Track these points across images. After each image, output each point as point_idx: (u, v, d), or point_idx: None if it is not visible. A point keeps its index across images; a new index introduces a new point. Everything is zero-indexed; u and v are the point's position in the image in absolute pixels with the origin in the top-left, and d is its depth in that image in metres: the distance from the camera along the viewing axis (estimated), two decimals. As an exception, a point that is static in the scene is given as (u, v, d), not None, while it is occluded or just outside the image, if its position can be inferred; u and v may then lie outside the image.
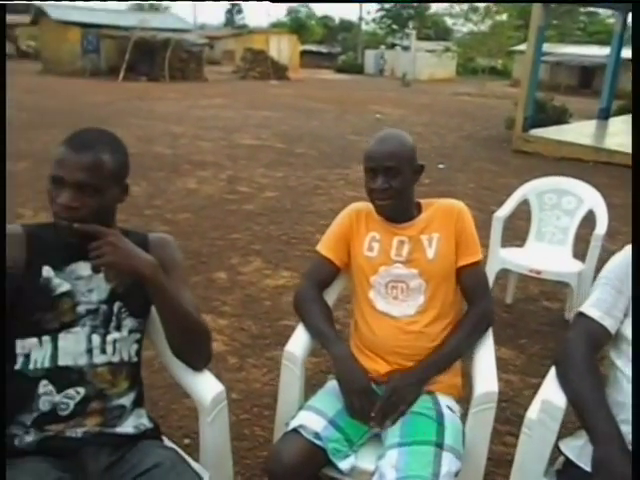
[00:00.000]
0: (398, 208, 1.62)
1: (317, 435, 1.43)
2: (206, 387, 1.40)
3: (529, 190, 3.35)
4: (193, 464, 1.34)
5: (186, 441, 2.20)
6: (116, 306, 1.38)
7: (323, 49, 47.59)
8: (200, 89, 18.46)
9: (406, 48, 35.66)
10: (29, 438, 1.26)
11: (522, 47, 23.03)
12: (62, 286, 1.32)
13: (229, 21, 60.03)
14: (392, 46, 40.50)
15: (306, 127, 10.76)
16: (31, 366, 1.30)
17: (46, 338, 1.31)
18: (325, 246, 1.72)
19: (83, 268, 1.35)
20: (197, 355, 1.45)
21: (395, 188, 1.57)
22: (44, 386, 1.29)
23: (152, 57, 21.81)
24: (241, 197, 5.69)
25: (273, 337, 3.04)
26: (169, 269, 1.38)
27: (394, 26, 48.49)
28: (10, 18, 31.29)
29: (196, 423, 2.33)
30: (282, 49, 31.31)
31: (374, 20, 50.92)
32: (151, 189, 5.52)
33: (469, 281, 1.63)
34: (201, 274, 3.75)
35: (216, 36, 35.52)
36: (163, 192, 5.61)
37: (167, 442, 1.44)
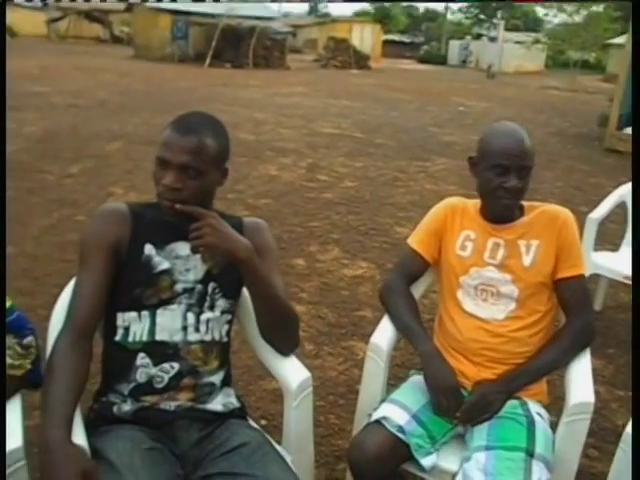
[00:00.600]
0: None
1: (400, 429, 1.42)
2: (293, 372, 1.42)
3: (627, 192, 3.16)
4: (276, 447, 1.36)
5: (263, 422, 2.24)
6: (210, 286, 1.42)
7: (406, 39, 46.86)
8: (282, 77, 18.67)
9: (493, 39, 34.47)
10: (126, 407, 1.32)
11: (619, 40, 21.75)
12: (162, 264, 1.37)
13: (312, 9, 60.21)
14: (478, 36, 39.31)
15: (386, 117, 10.65)
16: (130, 339, 1.35)
17: (145, 313, 1.36)
18: (416, 240, 1.69)
19: (182, 248, 1.39)
20: (285, 340, 1.46)
21: (524, 189, 1.51)
22: (141, 358, 1.34)
23: (237, 44, 22.24)
24: (320, 185, 5.71)
25: (349, 327, 3.04)
26: (262, 253, 1.40)
27: (481, 16, 47.01)
28: (106, 5, 32.83)
29: (273, 405, 2.40)
30: (364, 38, 31.09)
31: (460, 10, 49.59)
32: (234, 174, 5.64)
33: (569, 295, 1.55)
34: (280, 260, 3.80)
35: (299, 24, 35.74)
36: (245, 177, 5.73)
37: (252, 422, 1.47)
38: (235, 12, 22.58)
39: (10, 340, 1.30)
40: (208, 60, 21.00)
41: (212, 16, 22.64)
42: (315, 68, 24.85)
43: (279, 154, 6.92)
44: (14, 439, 1.14)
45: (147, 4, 23.63)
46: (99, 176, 5.49)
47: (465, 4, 47.91)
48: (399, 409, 1.47)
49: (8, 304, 1.32)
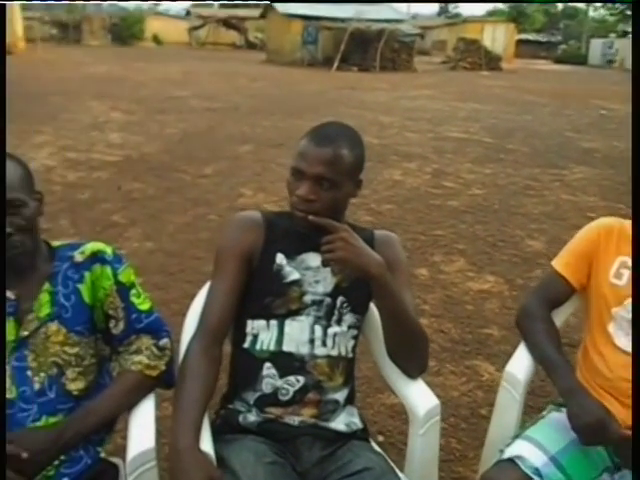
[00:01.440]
0: None
1: (537, 471, 1.29)
2: (421, 398, 1.34)
3: None
4: (399, 474, 1.29)
5: (380, 438, 2.18)
6: (339, 300, 1.38)
7: (541, 38, 44.45)
8: (409, 80, 18.47)
9: (641, 36, 31.60)
10: (251, 417, 1.32)
11: None
12: (292, 274, 1.36)
13: (442, 10, 59.04)
14: (624, 34, 36.28)
15: (518, 121, 10.12)
16: (258, 346, 1.35)
17: (274, 322, 1.35)
18: (563, 262, 1.54)
19: (312, 259, 1.37)
20: (413, 361, 1.39)
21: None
22: (268, 368, 1.34)
23: (365, 48, 22.36)
24: (446, 192, 5.53)
25: (473, 344, 2.89)
26: (393, 268, 1.34)
27: (628, 12, 43.32)
28: (241, 12, 34.53)
29: (391, 421, 2.33)
30: (496, 38, 29.91)
31: (604, 6, 46.08)
32: (358, 178, 5.62)
33: None
34: (402, 268, 3.72)
35: (429, 26, 35.22)
36: (369, 182, 5.69)
37: (375, 445, 1.41)
38: (364, 15, 22.72)
39: (147, 341, 1.35)
40: (336, 64, 21.32)
41: (341, 20, 22.97)
42: (443, 70, 24.32)
43: (404, 159, 6.82)
44: (147, 440, 1.17)
45: (281, 10, 24.50)
46: (231, 177, 5.73)
47: (611, -1, 44.45)
48: (536, 449, 1.34)
49: (147, 305, 1.37)
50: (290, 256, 1.37)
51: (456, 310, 3.23)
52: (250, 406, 1.34)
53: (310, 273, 1.37)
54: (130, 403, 1.30)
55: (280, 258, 1.37)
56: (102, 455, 1.30)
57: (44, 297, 1.28)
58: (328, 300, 1.37)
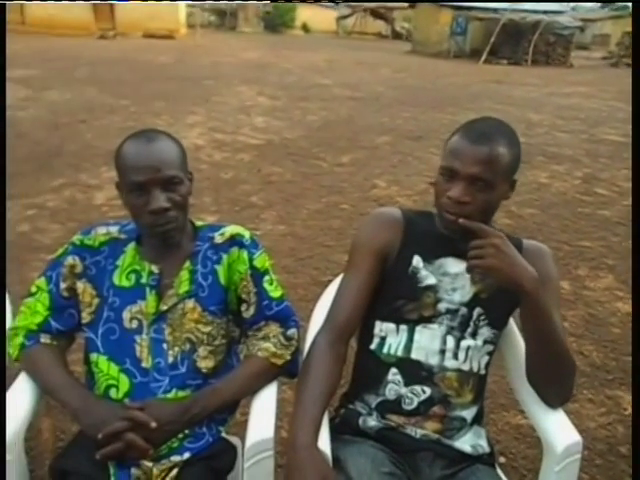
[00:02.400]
0: None
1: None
2: (560, 431, 1.21)
3: None
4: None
5: (502, 459, 2.04)
6: (476, 312, 1.28)
7: None
8: (563, 75, 17.22)
9: None
10: (372, 422, 1.27)
11: None
12: (428, 279, 1.28)
13: (607, 2, 54.25)
14: None
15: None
16: (385, 350, 1.30)
17: (403, 327, 1.29)
18: None
19: (451, 264, 1.28)
20: (555, 389, 1.25)
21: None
22: (393, 374, 1.28)
23: (517, 40, 21.19)
24: (597, 200, 5.06)
25: (618, 373, 2.60)
26: (544, 284, 1.21)
27: None
28: (390, 2, 34.23)
29: (516, 443, 2.16)
30: (671, 33, 26.86)
31: None
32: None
33: None
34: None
35: (590, 18, 32.55)
36: (511, 182, 5.38)
37: (500, 473, 1.30)
38: (519, 6, 21.51)
39: (276, 329, 1.35)
40: (484, 56, 20.45)
41: (494, 10, 21.92)
42: (603, 67, 22.37)
43: (552, 160, 6.35)
44: (267, 429, 1.17)
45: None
46: (366, 167, 5.70)
47: None
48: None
49: (279, 293, 1.37)
50: (428, 259, 1.29)
51: (600, 332, 2.93)
52: (371, 409, 1.29)
53: (447, 279, 1.28)
54: (254, 388, 1.31)
55: (417, 260, 1.29)
56: (223, 434, 1.32)
57: (184, 275, 1.32)
58: (464, 310, 1.28)
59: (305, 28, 38.76)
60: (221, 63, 14.80)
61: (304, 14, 39.27)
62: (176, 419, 1.21)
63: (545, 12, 22.63)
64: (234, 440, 1.37)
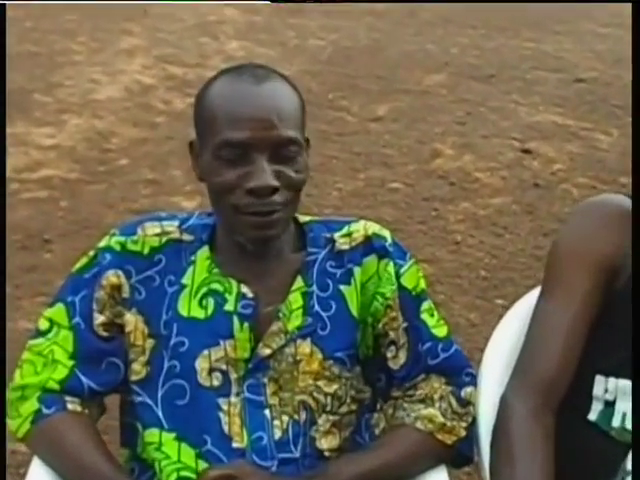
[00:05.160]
0: None
1: None
2: None
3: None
4: None
5: None
6: None
7: None
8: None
9: None
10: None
11: None
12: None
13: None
14: None
15: None
16: (616, 422, 1.33)
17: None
18: None
19: None
20: None
21: None
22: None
23: None
24: None
25: None
26: None
27: None
28: None
29: None
30: None
31: None
32: None
33: None
34: None
35: None
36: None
37: None
38: None
39: (441, 386, 1.35)
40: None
41: None
42: None
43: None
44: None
45: None
46: (417, 124, 5.71)
47: None
48: None
49: (445, 330, 1.37)
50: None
51: None
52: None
53: None
54: (408, 474, 1.32)
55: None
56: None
57: (295, 299, 1.31)
58: None
59: None
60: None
61: None
62: None
63: None
64: None
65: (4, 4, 2.37)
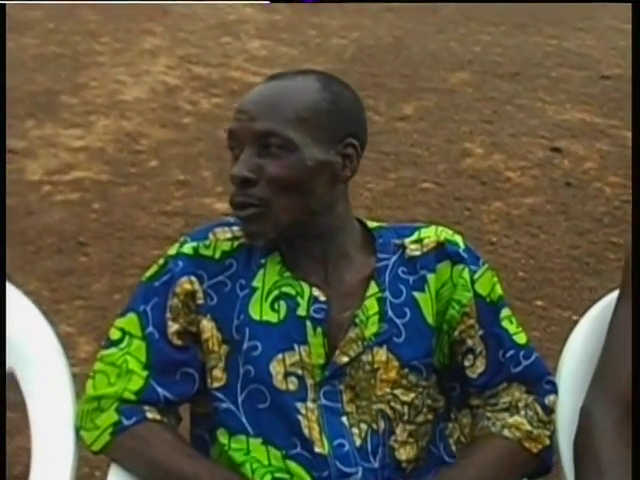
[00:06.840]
0: None
1: None
2: None
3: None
4: None
5: None
6: None
7: None
8: None
9: None
10: None
11: None
12: None
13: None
14: None
15: None
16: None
17: None
18: None
19: None
20: None
21: None
22: None
23: None
24: None
25: None
26: None
27: None
28: None
29: None
30: None
31: None
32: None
33: None
34: None
35: None
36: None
37: None
38: None
39: (522, 395, 1.35)
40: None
41: None
42: None
43: None
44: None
45: None
46: (444, 122, 5.70)
47: None
48: None
49: (525, 338, 1.36)
50: None
51: None
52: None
53: None
54: None
55: None
56: None
57: (371, 305, 1.30)
58: None
59: None
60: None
61: None
62: None
63: None
64: None
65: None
